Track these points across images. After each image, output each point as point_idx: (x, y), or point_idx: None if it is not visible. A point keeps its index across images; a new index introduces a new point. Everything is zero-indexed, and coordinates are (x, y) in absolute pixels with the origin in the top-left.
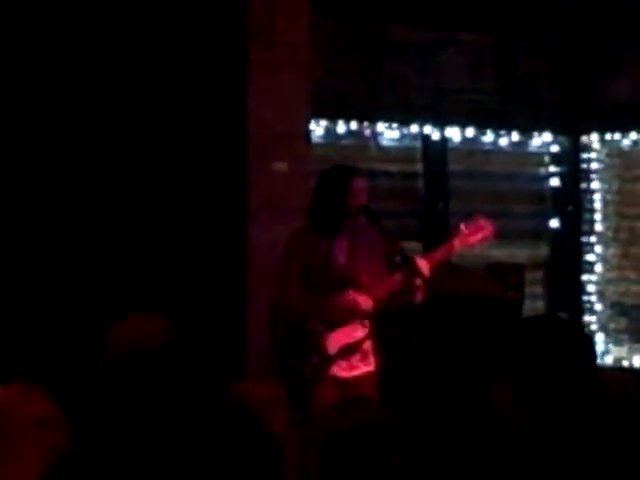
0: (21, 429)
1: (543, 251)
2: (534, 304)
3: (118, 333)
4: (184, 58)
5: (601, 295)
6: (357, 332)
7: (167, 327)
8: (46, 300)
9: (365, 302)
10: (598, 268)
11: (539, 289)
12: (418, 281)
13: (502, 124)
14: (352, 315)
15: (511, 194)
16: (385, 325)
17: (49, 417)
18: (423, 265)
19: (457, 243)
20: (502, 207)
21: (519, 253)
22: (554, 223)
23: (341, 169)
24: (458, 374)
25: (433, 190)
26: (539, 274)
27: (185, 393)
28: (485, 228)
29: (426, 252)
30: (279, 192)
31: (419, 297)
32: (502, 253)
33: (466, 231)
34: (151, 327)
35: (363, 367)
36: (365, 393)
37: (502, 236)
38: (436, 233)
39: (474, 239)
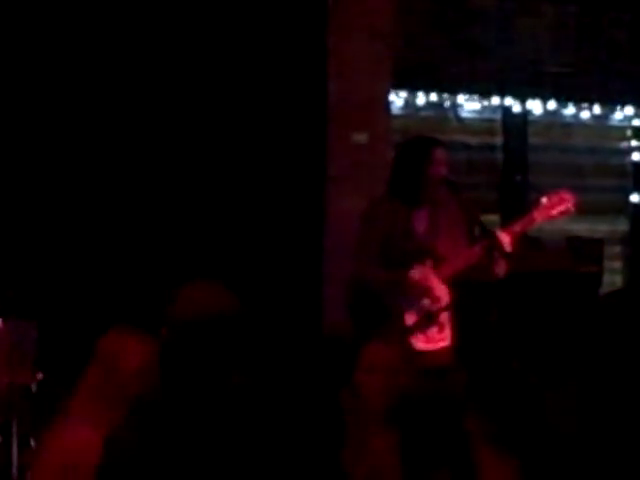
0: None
1: (623, 226)
2: (612, 279)
3: (181, 301)
4: (264, 25)
5: None
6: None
7: (228, 295)
8: (115, 263)
9: (442, 295)
10: None
11: (618, 264)
12: (498, 254)
13: (584, 97)
14: (425, 296)
15: (592, 168)
16: (464, 298)
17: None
18: (504, 238)
19: (537, 215)
20: (582, 181)
21: (599, 228)
22: (635, 198)
23: (422, 140)
24: (537, 347)
25: (512, 163)
26: (618, 249)
27: (248, 360)
28: (566, 201)
29: (504, 225)
30: (358, 162)
31: (500, 270)
32: (582, 227)
33: (547, 203)
34: (213, 295)
35: (440, 339)
36: (442, 365)
37: (582, 210)
38: (515, 206)
39: (555, 212)
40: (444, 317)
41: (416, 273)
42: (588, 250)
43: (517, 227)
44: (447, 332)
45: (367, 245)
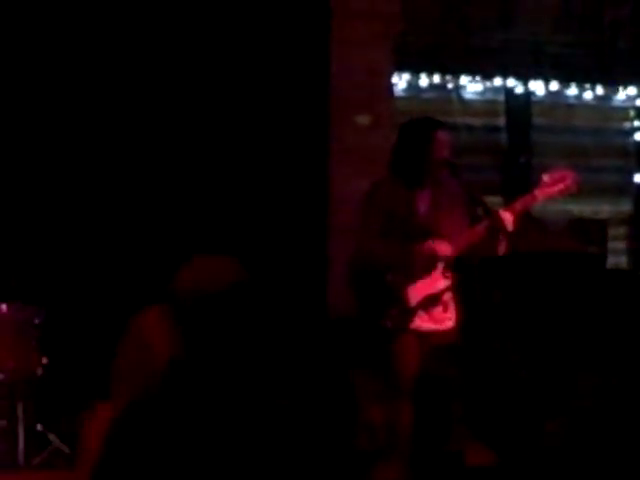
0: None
1: (626, 206)
2: (617, 260)
3: (185, 276)
4: (266, 7)
5: None
6: (438, 283)
7: (235, 268)
8: (125, 243)
9: (444, 249)
10: None
11: (622, 245)
12: (500, 233)
13: (586, 78)
14: (432, 262)
15: (595, 148)
16: (467, 277)
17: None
18: (506, 217)
19: (539, 193)
20: (585, 162)
21: (602, 208)
22: (638, 178)
23: (425, 121)
24: (540, 328)
25: (516, 144)
26: (622, 230)
27: (255, 333)
28: (567, 179)
29: (507, 205)
30: (361, 145)
31: (501, 249)
32: (585, 208)
33: (548, 181)
34: (219, 269)
35: (444, 319)
36: (445, 344)
37: (585, 191)
38: (518, 187)
39: (556, 189)
40: (447, 297)
41: (422, 247)
42: (591, 231)
43: (519, 205)
44: (451, 311)
45: (369, 224)
